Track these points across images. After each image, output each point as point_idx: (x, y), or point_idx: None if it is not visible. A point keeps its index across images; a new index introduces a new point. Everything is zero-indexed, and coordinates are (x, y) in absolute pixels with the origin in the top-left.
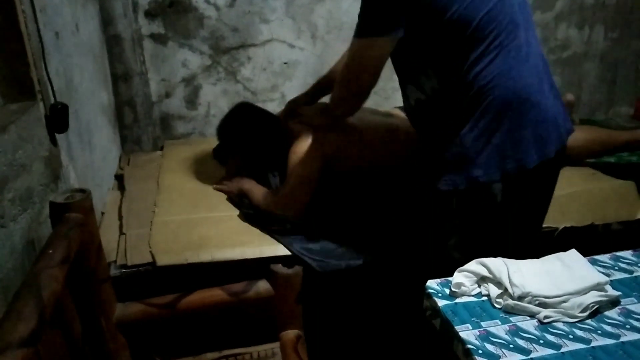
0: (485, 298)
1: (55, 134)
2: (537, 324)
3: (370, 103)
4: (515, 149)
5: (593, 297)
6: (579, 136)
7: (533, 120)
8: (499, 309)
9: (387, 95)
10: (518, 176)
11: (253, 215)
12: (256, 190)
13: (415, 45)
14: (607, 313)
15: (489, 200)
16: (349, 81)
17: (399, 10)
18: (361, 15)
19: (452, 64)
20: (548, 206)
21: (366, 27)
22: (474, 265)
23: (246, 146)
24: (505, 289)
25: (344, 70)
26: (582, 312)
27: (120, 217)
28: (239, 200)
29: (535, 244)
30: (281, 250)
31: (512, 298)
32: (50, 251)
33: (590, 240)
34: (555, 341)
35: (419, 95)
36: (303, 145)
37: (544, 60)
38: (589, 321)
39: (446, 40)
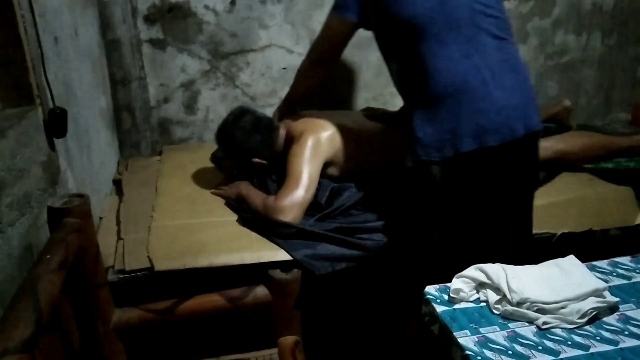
0: (483, 304)
1: (54, 138)
2: (535, 330)
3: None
4: (452, 134)
5: (591, 303)
6: (577, 142)
7: (471, 109)
8: (498, 315)
9: (384, 101)
10: (455, 161)
11: (251, 220)
12: (254, 195)
13: (379, 35)
14: (605, 319)
15: (429, 181)
16: (312, 49)
17: None
18: None
19: (403, 53)
20: (520, 204)
21: (332, 5)
22: (472, 271)
23: (244, 150)
24: (504, 295)
25: (313, 43)
26: (580, 318)
27: (118, 222)
28: (237, 205)
29: (513, 245)
30: (279, 256)
31: (511, 304)
32: (48, 256)
33: (588, 246)
34: (554, 347)
35: (393, 76)
36: (302, 149)
37: (506, 58)
38: (587, 327)
39: (393, 33)
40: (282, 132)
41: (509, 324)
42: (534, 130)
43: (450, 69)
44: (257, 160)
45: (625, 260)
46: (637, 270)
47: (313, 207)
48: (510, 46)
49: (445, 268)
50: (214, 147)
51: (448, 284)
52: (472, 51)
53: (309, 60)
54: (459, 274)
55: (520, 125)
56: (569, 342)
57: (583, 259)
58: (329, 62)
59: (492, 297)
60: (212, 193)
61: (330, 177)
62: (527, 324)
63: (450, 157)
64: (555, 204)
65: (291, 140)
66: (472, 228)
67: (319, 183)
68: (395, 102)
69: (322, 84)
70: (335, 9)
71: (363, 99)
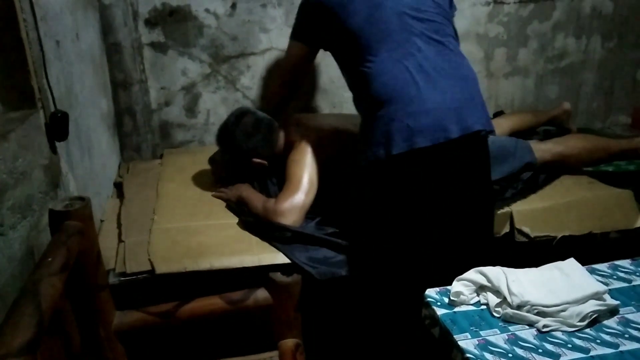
0: (484, 307)
1: (55, 142)
2: (536, 333)
3: None
4: (386, 137)
5: (592, 306)
6: (576, 144)
7: (401, 112)
8: (498, 318)
9: None
10: (388, 162)
11: (252, 223)
12: (255, 198)
13: (331, 52)
14: (605, 322)
15: (372, 182)
16: (279, 72)
17: (305, 23)
18: None
19: (347, 65)
20: (473, 204)
21: (290, 32)
22: (472, 274)
23: (245, 151)
24: (504, 298)
25: (278, 66)
26: (580, 321)
27: (119, 225)
28: (237, 207)
29: (470, 245)
30: (280, 259)
31: (511, 307)
32: (49, 259)
33: (588, 249)
34: (554, 350)
35: (346, 82)
36: (302, 152)
37: (444, 60)
38: (587, 330)
39: (338, 48)
40: (282, 133)
41: (510, 327)
42: (471, 130)
43: (383, 75)
44: (257, 160)
45: (625, 263)
46: (637, 274)
47: (313, 211)
48: (449, 49)
49: (410, 272)
50: (214, 150)
51: (448, 287)
52: (404, 56)
53: (277, 81)
54: (459, 277)
55: (455, 126)
56: (569, 345)
57: (583, 262)
58: (294, 83)
59: (493, 300)
60: (213, 195)
61: (330, 178)
62: (527, 327)
63: (384, 159)
64: (555, 207)
65: (291, 143)
66: (415, 228)
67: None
68: None
69: (294, 97)
70: (292, 35)
71: None
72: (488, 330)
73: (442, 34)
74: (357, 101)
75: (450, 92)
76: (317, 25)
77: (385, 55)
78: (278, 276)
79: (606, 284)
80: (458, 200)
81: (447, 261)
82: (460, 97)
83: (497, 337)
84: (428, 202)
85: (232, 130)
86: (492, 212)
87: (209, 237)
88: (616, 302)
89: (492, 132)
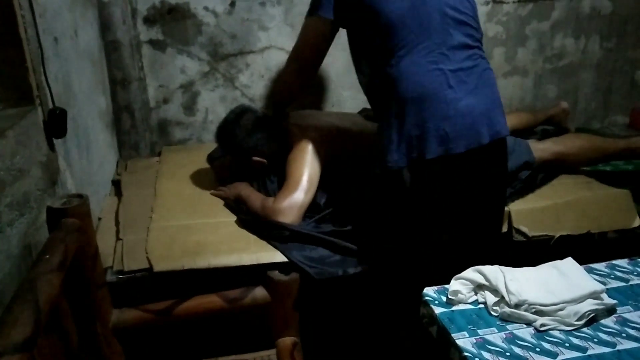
0: (482, 306)
1: (53, 139)
2: (533, 332)
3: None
4: (418, 140)
5: (589, 305)
6: (574, 143)
7: (437, 115)
8: (496, 316)
9: None
10: (422, 166)
11: (250, 221)
12: (253, 197)
13: (351, 33)
14: (603, 321)
15: (400, 186)
16: (295, 57)
17: None
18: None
19: (372, 55)
20: (490, 207)
21: (308, 10)
22: (470, 272)
23: (245, 149)
24: (502, 297)
25: (292, 50)
26: (578, 320)
27: (117, 223)
28: (236, 206)
29: (483, 246)
30: (278, 257)
31: (509, 306)
32: (47, 256)
33: (586, 249)
34: (552, 349)
35: (362, 78)
36: (302, 150)
37: (474, 65)
38: (585, 329)
39: (366, 31)
40: (282, 131)
41: (507, 326)
42: (500, 136)
43: (416, 75)
44: (257, 158)
45: (623, 262)
46: (635, 273)
47: (312, 209)
48: (478, 53)
49: (420, 271)
50: (213, 148)
51: (446, 286)
52: (439, 57)
53: (291, 66)
54: (457, 275)
55: (486, 131)
56: (567, 344)
57: (581, 261)
58: (311, 69)
59: (490, 299)
60: (212, 194)
61: (329, 178)
62: (525, 325)
63: (417, 162)
64: (553, 206)
65: (291, 141)
66: (441, 231)
67: (319, 185)
68: None
69: (307, 90)
70: (311, 11)
71: (362, 100)
72: (486, 329)
73: (474, 38)
74: (377, 98)
75: (481, 97)
76: (348, 1)
77: (421, 53)
78: (276, 274)
79: (604, 284)
80: (480, 203)
81: (460, 261)
82: (488, 102)
83: (495, 336)
84: (454, 205)
85: (232, 128)
86: (503, 213)
87: (207, 235)
88: (614, 302)
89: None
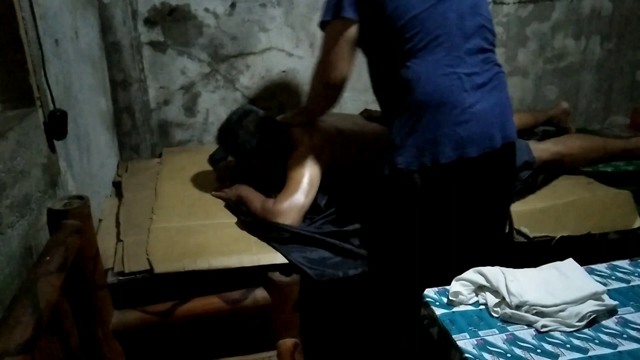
0: (482, 307)
1: (54, 140)
2: (534, 333)
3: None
4: (432, 144)
5: (590, 306)
6: (574, 143)
7: (452, 119)
8: (497, 318)
9: None
10: (435, 170)
11: (250, 223)
12: (254, 198)
13: (367, 36)
14: (604, 322)
15: (410, 189)
16: (323, 72)
17: None
18: (322, 13)
19: (388, 57)
20: (498, 210)
21: (324, 17)
22: (471, 274)
23: (247, 151)
24: (503, 298)
25: (317, 65)
26: (579, 321)
27: (117, 224)
28: (236, 207)
29: (489, 248)
30: (279, 259)
31: (510, 307)
32: (48, 258)
33: (587, 250)
34: (553, 350)
35: (373, 79)
36: (303, 152)
37: (488, 68)
38: (586, 330)
39: (383, 35)
40: (284, 134)
41: (508, 327)
42: (510, 139)
43: (433, 78)
44: (258, 160)
45: (624, 263)
46: (636, 274)
47: (312, 211)
48: (492, 57)
49: (425, 273)
50: (213, 149)
51: (447, 287)
52: (457, 61)
53: (323, 83)
54: (458, 276)
55: (498, 135)
56: (568, 345)
57: (582, 262)
58: (344, 74)
59: (491, 300)
60: (213, 195)
61: (331, 177)
62: (526, 327)
63: (430, 166)
64: (554, 207)
65: (293, 143)
66: (449, 233)
67: (319, 187)
68: None
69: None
70: (335, 15)
71: (363, 101)
72: (487, 330)
73: (489, 41)
74: (391, 99)
75: (494, 101)
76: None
77: (439, 55)
78: (277, 276)
79: (605, 285)
80: (489, 205)
81: (462, 262)
82: (501, 105)
83: (496, 337)
84: (465, 208)
85: (234, 130)
86: (507, 215)
87: (208, 237)
88: (615, 303)
89: None
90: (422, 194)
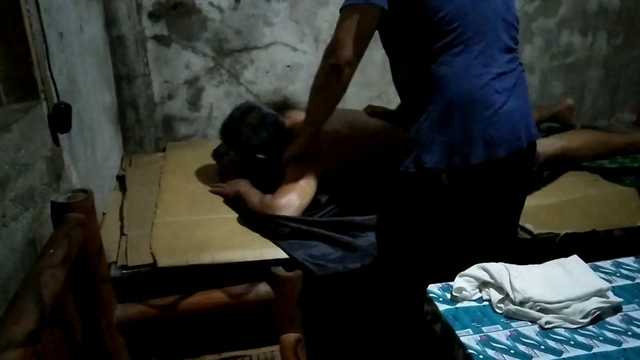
0: (486, 303)
1: (58, 133)
2: (538, 329)
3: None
4: (463, 144)
5: (594, 303)
6: (578, 138)
7: (483, 120)
8: (500, 314)
9: (388, 99)
10: (463, 170)
11: (250, 218)
12: (252, 194)
13: (398, 28)
14: (608, 319)
15: (436, 188)
16: (331, 48)
17: None
18: None
19: (421, 51)
20: (515, 209)
21: (350, 0)
22: (475, 270)
23: (250, 147)
24: (507, 294)
25: (331, 43)
26: (583, 318)
27: (121, 218)
28: (235, 203)
29: (502, 246)
30: (282, 253)
31: (514, 303)
32: (51, 251)
33: (591, 247)
34: (557, 347)
35: (399, 74)
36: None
37: (514, 68)
38: (590, 327)
39: (417, 28)
40: (287, 130)
41: (512, 323)
42: (534, 139)
43: (467, 76)
44: (261, 156)
45: (629, 260)
46: None
47: (312, 207)
48: (517, 56)
49: (438, 269)
50: (217, 144)
51: (451, 283)
52: (489, 60)
53: (328, 61)
54: (462, 272)
55: (524, 135)
56: (572, 342)
57: (586, 259)
58: (358, 61)
59: (495, 296)
60: (210, 191)
61: (332, 174)
62: (529, 323)
63: (458, 166)
64: (559, 204)
65: (294, 138)
66: (468, 232)
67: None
68: (399, 101)
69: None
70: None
71: (366, 97)
72: (490, 327)
73: (516, 40)
74: (418, 96)
75: (519, 101)
76: None
77: (474, 53)
78: (280, 271)
79: (609, 282)
80: (510, 205)
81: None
82: (526, 105)
83: (499, 333)
84: (488, 209)
85: (237, 126)
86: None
87: (211, 231)
88: (619, 300)
89: None
90: (448, 194)
